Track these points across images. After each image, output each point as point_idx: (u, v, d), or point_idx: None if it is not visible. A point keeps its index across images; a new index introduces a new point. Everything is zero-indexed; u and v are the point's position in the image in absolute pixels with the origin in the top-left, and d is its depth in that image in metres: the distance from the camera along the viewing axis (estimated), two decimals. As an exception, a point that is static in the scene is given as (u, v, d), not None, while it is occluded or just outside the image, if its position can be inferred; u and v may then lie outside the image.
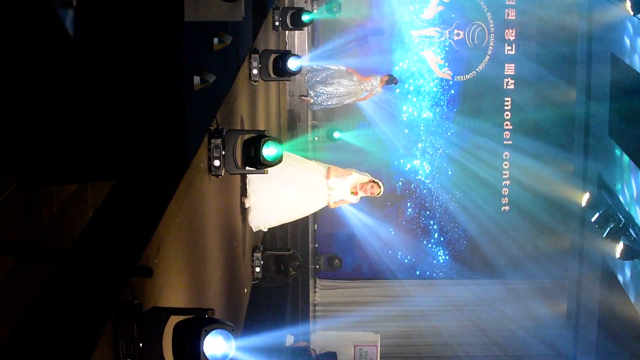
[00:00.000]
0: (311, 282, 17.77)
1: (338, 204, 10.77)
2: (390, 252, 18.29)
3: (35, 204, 4.34)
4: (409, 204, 18.56)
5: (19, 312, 4.17)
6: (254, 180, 9.99)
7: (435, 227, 18.63)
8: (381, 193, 10.63)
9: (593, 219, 14.87)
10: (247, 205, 10.10)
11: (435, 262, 18.65)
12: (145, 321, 4.97)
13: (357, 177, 10.54)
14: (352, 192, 10.52)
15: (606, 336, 15.22)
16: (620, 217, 14.00)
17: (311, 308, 17.66)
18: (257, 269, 11.15)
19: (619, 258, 13.37)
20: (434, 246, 18.64)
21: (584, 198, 15.68)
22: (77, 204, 4.92)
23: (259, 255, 11.11)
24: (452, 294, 18.38)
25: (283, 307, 13.66)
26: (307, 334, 16.83)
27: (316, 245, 18.41)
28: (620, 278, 14.41)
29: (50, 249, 4.55)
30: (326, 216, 17.32)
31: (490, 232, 18.11)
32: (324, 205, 10.74)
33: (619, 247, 13.36)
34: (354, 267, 18.62)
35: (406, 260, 18.53)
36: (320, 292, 18.29)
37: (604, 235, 14.13)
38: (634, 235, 13.36)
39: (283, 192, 10.19)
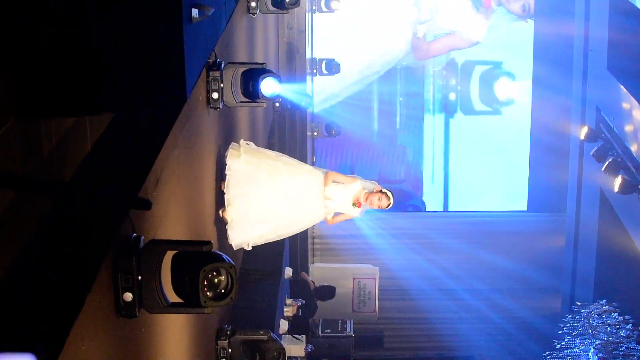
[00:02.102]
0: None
1: (337, 220, 9.04)
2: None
3: (34, 138, 4.36)
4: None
5: (19, 245, 4.21)
6: (234, 184, 8.49)
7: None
8: (390, 205, 8.86)
9: (591, 153, 14.90)
10: (227, 220, 8.59)
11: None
12: (144, 254, 5.00)
13: (362, 186, 8.83)
14: (353, 204, 8.77)
15: (604, 270, 15.31)
16: (619, 150, 14.02)
17: (309, 241, 17.75)
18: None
19: (617, 192, 13.40)
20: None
21: (583, 131, 15.68)
22: (76, 138, 4.94)
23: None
24: (450, 227, 18.47)
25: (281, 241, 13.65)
26: (306, 267, 16.95)
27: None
28: (618, 212, 14.46)
29: (50, 182, 4.58)
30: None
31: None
32: (320, 220, 9.14)
33: (618, 181, 13.39)
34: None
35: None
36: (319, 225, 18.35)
37: (603, 169, 14.16)
38: (632, 169, 13.38)
39: (268, 203, 8.61)
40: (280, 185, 8.56)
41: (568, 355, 12.72)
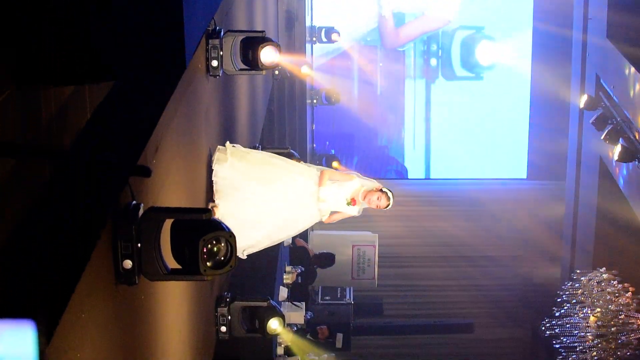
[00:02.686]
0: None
1: (334, 219, 8.50)
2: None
3: (34, 106, 4.36)
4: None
5: (18, 213, 4.22)
6: (225, 196, 8.00)
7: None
8: (390, 206, 8.29)
9: (591, 121, 14.89)
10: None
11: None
12: (144, 221, 5.01)
13: (360, 184, 8.28)
14: (348, 203, 8.23)
15: (604, 238, 15.33)
16: (618, 118, 14.00)
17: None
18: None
19: (617, 160, 13.40)
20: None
21: (582, 100, 15.66)
22: (76, 105, 4.94)
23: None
24: (450, 194, 18.51)
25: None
26: (306, 235, 16.99)
27: (314, 145, 18.47)
28: (618, 180, 14.47)
29: (50, 150, 4.58)
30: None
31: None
32: (315, 222, 8.63)
33: (617, 149, 13.38)
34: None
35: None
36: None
37: (602, 138, 14.15)
38: (631, 137, 13.38)
39: (260, 211, 8.08)
40: (272, 191, 8.03)
41: (567, 323, 12.78)
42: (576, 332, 12.47)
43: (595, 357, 12.02)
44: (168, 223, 5.21)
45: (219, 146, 8.12)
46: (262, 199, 7.95)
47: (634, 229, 13.43)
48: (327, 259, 15.85)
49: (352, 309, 16.52)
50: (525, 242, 18.19)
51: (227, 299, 8.56)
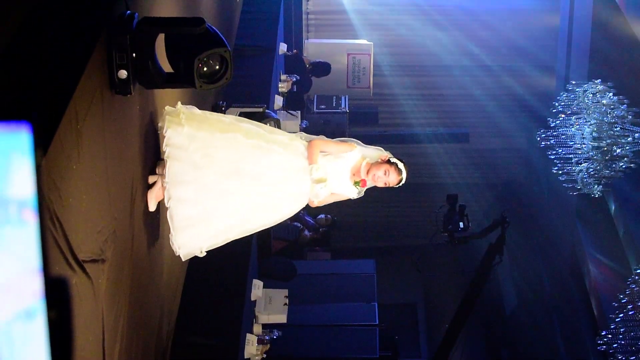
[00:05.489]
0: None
1: (326, 201, 6.25)
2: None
3: None
4: None
5: (15, 23, 4.20)
6: (177, 180, 5.80)
7: None
8: (402, 182, 6.15)
9: None
10: (151, 209, 6.01)
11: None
12: (138, 31, 5.00)
13: (362, 154, 6.16)
14: (355, 182, 6.11)
15: (599, 50, 15.27)
16: None
17: (304, 17, 17.62)
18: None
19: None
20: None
21: None
22: None
23: None
24: (447, 3, 18.32)
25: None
26: (300, 44, 16.91)
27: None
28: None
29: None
30: None
31: None
32: (300, 208, 6.29)
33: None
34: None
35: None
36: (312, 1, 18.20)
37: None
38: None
39: (227, 193, 5.95)
40: (244, 169, 5.93)
41: (562, 134, 12.84)
42: (571, 143, 12.56)
43: (590, 169, 12.15)
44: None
45: (167, 107, 5.91)
46: (231, 181, 5.93)
47: (629, 42, 13.35)
48: (323, 68, 15.84)
49: (347, 118, 16.62)
50: (520, 52, 18.10)
51: (223, 108, 8.61)
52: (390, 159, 6.10)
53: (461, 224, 13.31)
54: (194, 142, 5.79)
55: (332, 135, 6.37)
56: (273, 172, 5.97)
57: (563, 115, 12.87)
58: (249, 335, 9.00)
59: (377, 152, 6.18)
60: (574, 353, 15.28)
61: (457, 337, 13.55)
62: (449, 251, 15.17)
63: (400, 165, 6.09)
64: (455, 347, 13.72)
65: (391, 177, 6.06)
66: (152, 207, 5.89)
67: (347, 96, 16.97)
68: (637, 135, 12.01)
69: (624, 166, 12.02)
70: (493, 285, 17.05)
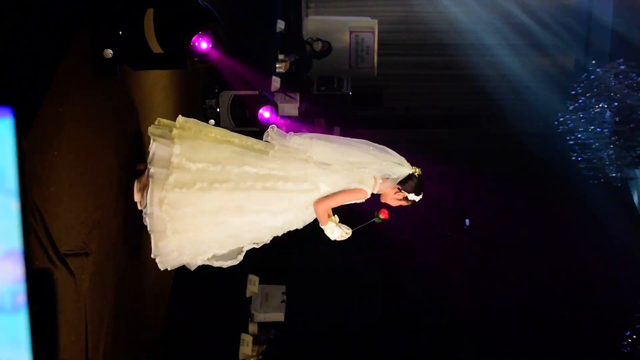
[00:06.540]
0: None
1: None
2: None
3: None
4: None
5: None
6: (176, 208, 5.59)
7: None
8: (420, 199, 6.10)
9: None
10: (137, 199, 5.83)
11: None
12: (125, 7, 4.99)
13: (370, 188, 5.98)
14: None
15: (621, 29, 15.24)
16: None
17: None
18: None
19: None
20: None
21: None
22: None
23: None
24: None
25: None
26: (300, 22, 16.85)
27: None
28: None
29: None
30: None
31: None
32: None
33: None
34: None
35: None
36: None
37: None
38: None
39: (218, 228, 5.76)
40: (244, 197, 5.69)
41: (582, 118, 12.82)
42: (592, 127, 12.53)
43: (613, 154, 12.11)
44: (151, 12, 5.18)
45: (159, 119, 5.61)
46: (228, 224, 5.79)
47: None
48: (324, 48, 15.79)
49: (350, 100, 16.57)
50: (539, 31, 18.05)
51: (216, 90, 8.45)
52: (408, 197, 6.00)
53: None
54: (185, 160, 5.54)
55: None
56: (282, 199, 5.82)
57: (583, 98, 12.83)
58: (243, 335, 8.99)
59: (395, 167, 6.00)
60: None
61: None
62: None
63: (415, 197, 6.02)
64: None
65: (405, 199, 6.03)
66: (137, 197, 5.85)
67: (349, 77, 16.91)
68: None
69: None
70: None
